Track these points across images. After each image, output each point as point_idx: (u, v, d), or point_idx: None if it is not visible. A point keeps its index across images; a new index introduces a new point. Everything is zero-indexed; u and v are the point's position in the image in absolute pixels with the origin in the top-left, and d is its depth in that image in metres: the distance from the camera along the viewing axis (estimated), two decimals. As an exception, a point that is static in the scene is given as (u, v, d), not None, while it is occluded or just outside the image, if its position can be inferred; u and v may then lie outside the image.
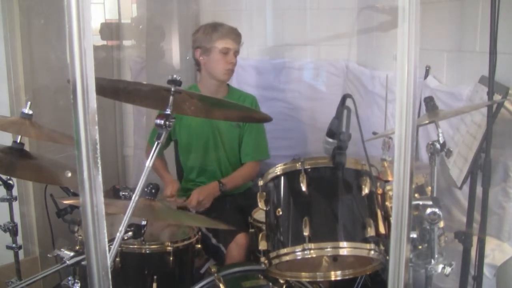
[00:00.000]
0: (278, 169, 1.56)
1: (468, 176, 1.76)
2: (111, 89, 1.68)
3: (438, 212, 1.36)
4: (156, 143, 1.40)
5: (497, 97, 1.68)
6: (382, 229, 1.46)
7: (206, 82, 2.53)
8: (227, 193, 2.45)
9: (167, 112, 1.44)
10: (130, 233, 1.44)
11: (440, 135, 1.52)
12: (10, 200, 1.93)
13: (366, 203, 1.49)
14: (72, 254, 1.40)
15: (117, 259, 1.73)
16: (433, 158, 1.52)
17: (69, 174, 1.64)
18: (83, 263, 1.39)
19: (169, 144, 2.64)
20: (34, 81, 2.68)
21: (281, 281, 1.68)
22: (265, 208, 1.58)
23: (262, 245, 1.52)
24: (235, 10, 3.35)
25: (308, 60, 3.36)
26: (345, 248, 1.42)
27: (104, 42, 3.50)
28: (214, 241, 2.26)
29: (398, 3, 0.91)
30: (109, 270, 0.91)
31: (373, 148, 1.87)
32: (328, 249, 1.42)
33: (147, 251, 1.79)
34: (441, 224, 1.42)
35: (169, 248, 1.79)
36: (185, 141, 2.56)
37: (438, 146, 1.51)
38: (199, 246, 1.95)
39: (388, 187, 1.55)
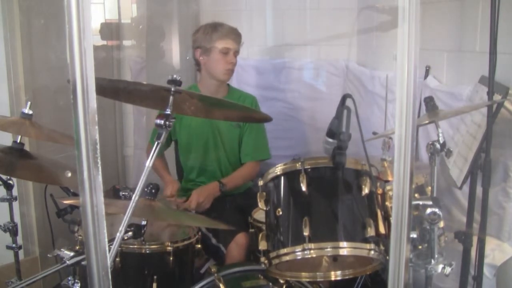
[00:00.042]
0: (278, 169, 1.56)
1: (468, 176, 1.76)
2: (111, 89, 1.68)
3: (438, 212, 1.36)
4: (156, 143, 1.40)
5: (497, 97, 1.68)
6: (382, 229, 1.46)
7: (206, 82, 2.53)
8: (227, 193, 2.45)
9: (167, 112, 1.44)
10: (130, 233, 1.44)
11: (440, 135, 1.52)
12: (10, 200, 1.93)
13: (366, 203, 1.49)
14: (72, 254, 1.40)
15: (117, 259, 1.73)
16: (433, 158, 1.52)
17: (69, 174, 1.64)
18: (83, 263, 1.39)
19: (170, 144, 2.64)
20: (34, 81, 2.68)
21: (281, 281, 1.68)
22: (265, 208, 1.58)
23: (262, 245, 1.52)
24: (235, 10, 3.35)
25: (308, 60, 3.36)
26: (345, 248, 1.42)
27: (104, 42, 3.50)
28: (214, 241, 2.26)
29: (398, 3, 0.91)
30: (109, 270, 0.91)
31: (373, 148, 1.87)
32: (328, 249, 1.42)
33: (147, 251, 1.79)
34: (441, 224, 1.42)
35: (169, 248, 1.79)
36: (185, 141, 2.56)
37: (438, 146, 1.51)
38: (199, 246, 1.95)
39: (388, 187, 1.55)
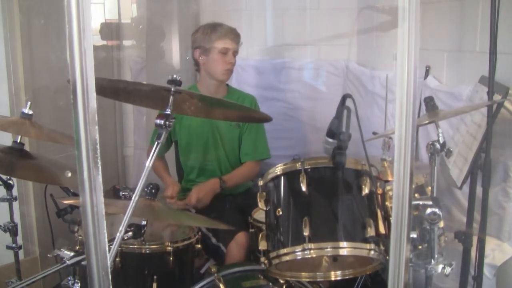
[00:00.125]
0: (278, 169, 1.56)
1: (468, 176, 1.76)
2: (111, 89, 1.68)
3: (438, 212, 1.36)
4: (156, 143, 1.40)
5: (497, 97, 1.68)
6: (382, 229, 1.46)
7: (205, 82, 2.53)
8: (227, 193, 2.45)
9: (167, 112, 1.44)
10: (130, 233, 1.44)
11: (440, 135, 1.52)
12: (10, 200, 1.93)
13: (366, 203, 1.49)
14: (72, 254, 1.40)
15: (117, 259, 1.73)
16: (433, 158, 1.52)
17: (69, 174, 1.64)
18: (83, 263, 1.39)
19: (170, 146, 2.64)
20: (34, 81, 2.68)
21: (281, 281, 1.68)
22: (265, 208, 1.58)
23: (262, 245, 1.52)
24: (235, 10, 3.35)
25: (308, 60, 3.36)
26: (345, 248, 1.42)
27: (104, 42, 3.50)
28: (214, 240, 2.26)
29: (398, 3, 0.91)
30: (109, 270, 0.91)
31: (373, 148, 1.87)
32: (328, 249, 1.42)
33: (147, 251, 1.79)
34: (441, 224, 1.42)
35: (169, 248, 1.79)
36: (185, 141, 2.56)
37: (438, 146, 1.51)
38: (199, 246, 1.95)
39: (388, 187, 1.55)
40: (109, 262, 0.91)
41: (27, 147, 1.77)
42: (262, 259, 1.52)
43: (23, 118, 1.71)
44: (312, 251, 1.39)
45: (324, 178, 1.55)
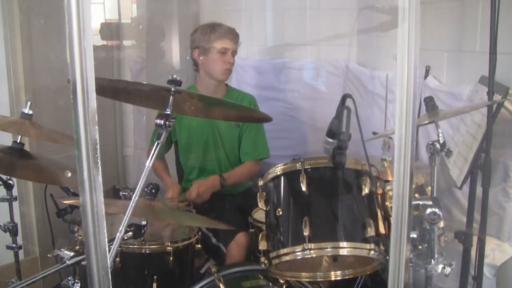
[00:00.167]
0: (278, 169, 1.56)
1: (468, 176, 1.76)
2: (111, 89, 1.68)
3: (438, 212, 1.36)
4: (156, 143, 1.40)
5: (497, 97, 1.68)
6: (382, 229, 1.46)
7: (204, 82, 2.53)
8: (227, 193, 2.45)
9: (167, 112, 1.44)
10: (130, 233, 1.44)
11: (440, 135, 1.52)
12: (10, 200, 1.93)
13: (366, 203, 1.49)
14: (72, 254, 1.40)
15: (117, 259, 1.73)
16: (433, 158, 1.52)
17: (69, 174, 1.64)
18: (83, 263, 1.39)
19: (170, 147, 2.64)
20: (34, 81, 2.67)
21: (281, 281, 1.68)
22: (265, 208, 1.58)
23: (262, 245, 1.52)
24: (235, 10, 3.35)
25: (308, 60, 3.36)
26: (345, 248, 1.42)
27: (104, 42, 3.50)
28: (214, 240, 2.26)
29: (398, 3, 0.91)
30: (109, 270, 0.91)
31: (373, 148, 1.87)
32: (328, 249, 1.42)
33: (147, 251, 1.79)
34: (441, 224, 1.42)
35: (169, 248, 1.79)
36: (185, 141, 2.56)
37: (438, 146, 1.51)
38: (199, 246, 1.95)
39: (388, 187, 1.55)
40: (109, 262, 0.91)
41: (27, 147, 1.77)
42: (262, 259, 1.52)
43: (23, 118, 1.71)
44: (312, 251, 1.39)
45: (324, 178, 1.55)
